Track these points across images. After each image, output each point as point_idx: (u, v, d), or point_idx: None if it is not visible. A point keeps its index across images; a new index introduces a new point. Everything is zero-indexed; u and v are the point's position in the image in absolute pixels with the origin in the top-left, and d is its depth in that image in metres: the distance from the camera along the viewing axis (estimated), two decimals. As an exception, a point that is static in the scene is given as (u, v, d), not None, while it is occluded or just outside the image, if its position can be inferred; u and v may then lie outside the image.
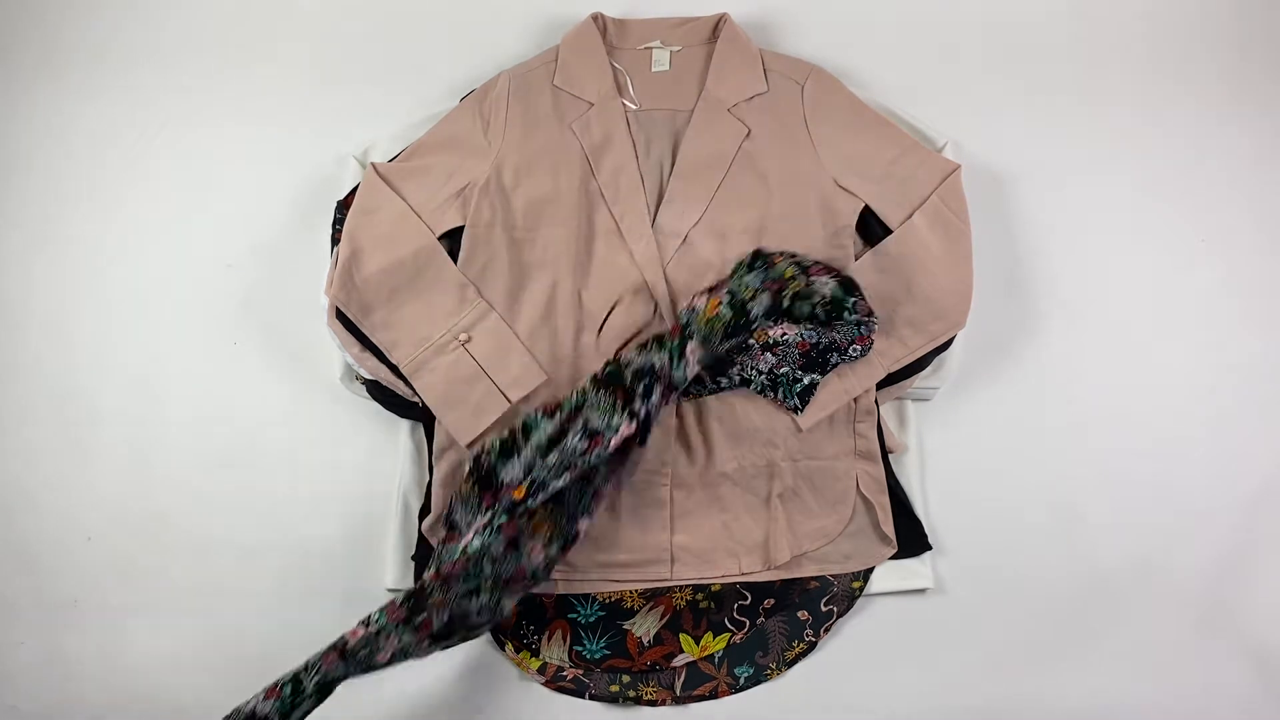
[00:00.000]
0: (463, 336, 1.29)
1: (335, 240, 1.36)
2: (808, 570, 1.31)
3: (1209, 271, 1.42)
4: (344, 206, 1.38)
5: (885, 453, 1.33)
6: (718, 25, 1.38)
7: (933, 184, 1.31)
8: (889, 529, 1.31)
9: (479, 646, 1.33)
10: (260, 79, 1.51)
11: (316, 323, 1.33)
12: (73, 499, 1.40)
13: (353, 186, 1.38)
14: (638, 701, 1.30)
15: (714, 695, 1.30)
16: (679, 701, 1.31)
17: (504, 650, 1.32)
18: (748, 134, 1.33)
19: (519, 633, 1.32)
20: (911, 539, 1.32)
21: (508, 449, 1.20)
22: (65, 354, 1.44)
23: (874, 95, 1.40)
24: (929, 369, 1.33)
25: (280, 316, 1.44)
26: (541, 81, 1.36)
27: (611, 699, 1.30)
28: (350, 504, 1.38)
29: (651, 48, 1.38)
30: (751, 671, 1.31)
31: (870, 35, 1.49)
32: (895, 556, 1.32)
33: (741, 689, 1.31)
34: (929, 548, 1.32)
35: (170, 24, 1.53)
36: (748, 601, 1.31)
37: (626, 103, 1.35)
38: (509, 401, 1.28)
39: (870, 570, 1.32)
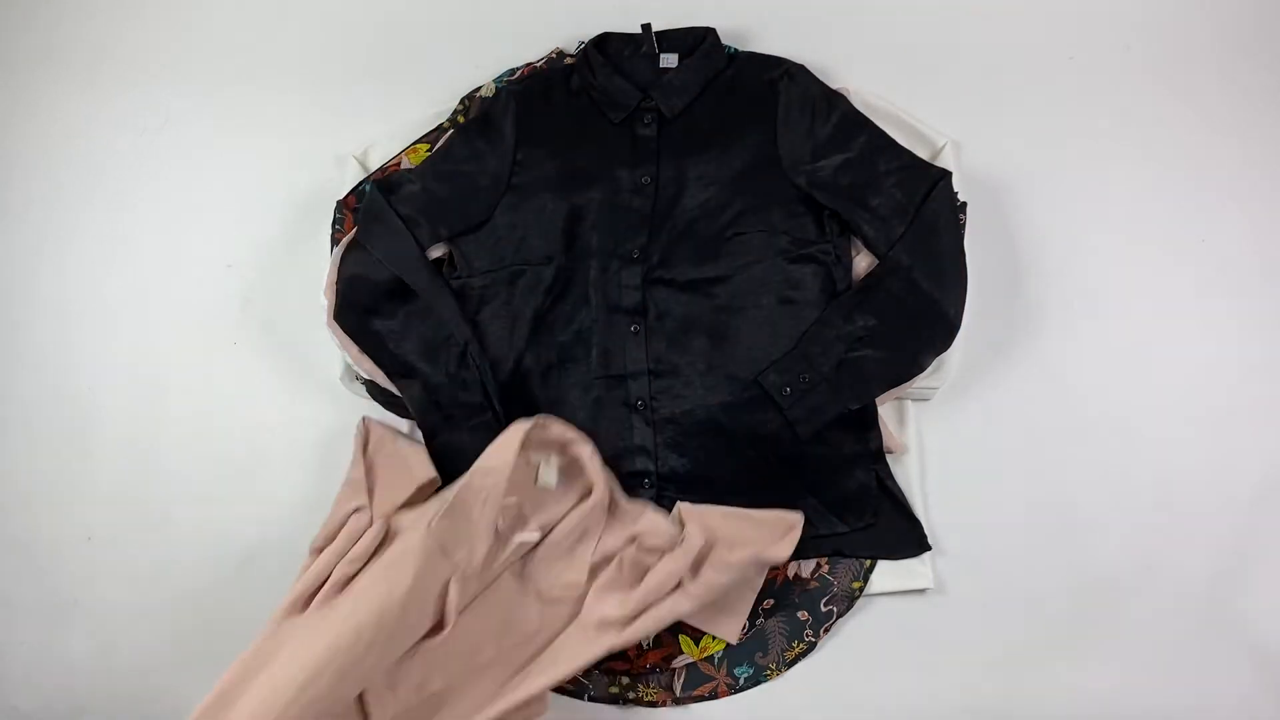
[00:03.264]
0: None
1: (335, 240, 1.36)
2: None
3: (1208, 272, 1.41)
4: (344, 206, 1.38)
5: (885, 453, 1.33)
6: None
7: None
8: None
9: (479, 646, 1.33)
10: (260, 79, 1.51)
11: (316, 323, 1.33)
12: (73, 499, 1.41)
13: (353, 186, 1.38)
14: (638, 703, 1.30)
15: (714, 696, 1.30)
16: (679, 702, 1.30)
17: (504, 650, 1.32)
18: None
19: (519, 633, 1.32)
20: (911, 539, 1.32)
21: None
22: (66, 353, 1.44)
23: (873, 95, 1.40)
24: (929, 369, 1.32)
25: (280, 316, 1.44)
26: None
27: (611, 700, 1.30)
28: (350, 504, 1.38)
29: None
30: (751, 672, 1.31)
31: (870, 36, 1.49)
32: (895, 557, 1.32)
33: (741, 689, 1.31)
34: (929, 548, 1.32)
35: (170, 24, 1.53)
36: (748, 602, 1.31)
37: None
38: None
39: (870, 570, 1.32)
